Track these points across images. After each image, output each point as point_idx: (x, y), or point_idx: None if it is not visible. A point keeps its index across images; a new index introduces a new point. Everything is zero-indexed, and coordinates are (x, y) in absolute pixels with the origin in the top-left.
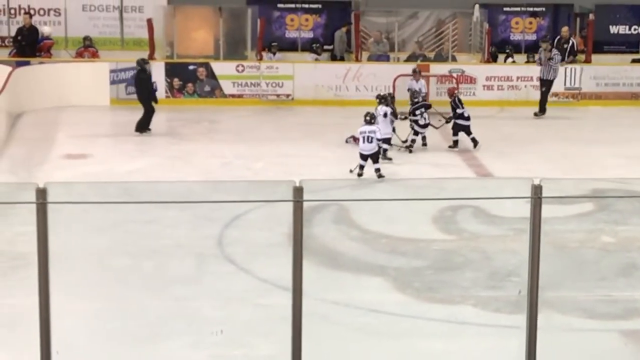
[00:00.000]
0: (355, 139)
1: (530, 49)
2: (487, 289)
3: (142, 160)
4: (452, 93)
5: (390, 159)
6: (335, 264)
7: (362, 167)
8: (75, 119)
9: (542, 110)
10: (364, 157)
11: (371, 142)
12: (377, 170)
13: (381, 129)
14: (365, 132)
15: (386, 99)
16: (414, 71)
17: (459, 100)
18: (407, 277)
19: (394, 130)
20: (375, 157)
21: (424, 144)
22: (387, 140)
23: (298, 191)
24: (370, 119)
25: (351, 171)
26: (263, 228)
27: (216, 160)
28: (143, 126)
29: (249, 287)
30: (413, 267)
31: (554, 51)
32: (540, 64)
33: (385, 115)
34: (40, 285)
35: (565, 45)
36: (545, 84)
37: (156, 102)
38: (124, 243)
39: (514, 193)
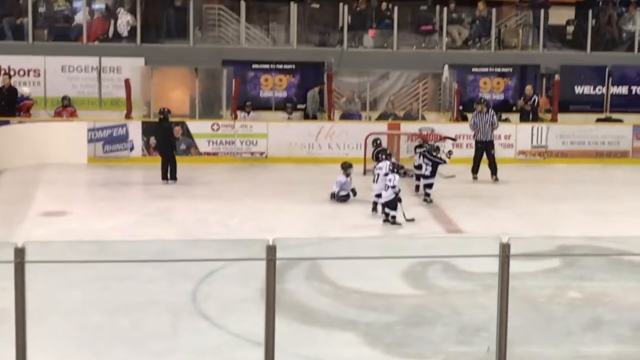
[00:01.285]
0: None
1: (499, 108)
2: (457, 344)
3: (119, 218)
4: (425, 140)
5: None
6: (307, 319)
7: (387, 214)
8: (53, 177)
9: (496, 171)
10: (384, 204)
11: (386, 189)
12: (393, 217)
13: (380, 188)
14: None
15: (386, 152)
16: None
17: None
18: (378, 332)
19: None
20: (388, 204)
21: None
22: (379, 195)
23: (271, 249)
24: (393, 169)
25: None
26: (237, 284)
27: (192, 217)
28: (172, 175)
29: (223, 342)
30: (384, 322)
31: (491, 112)
32: (476, 127)
33: (386, 174)
34: (18, 341)
35: (530, 104)
36: (488, 146)
37: (176, 150)
38: (100, 299)
39: (483, 250)
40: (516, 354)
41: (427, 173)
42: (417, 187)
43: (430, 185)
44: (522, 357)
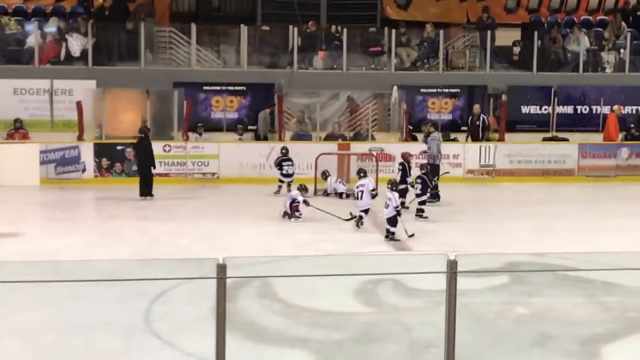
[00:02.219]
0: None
1: (447, 128)
2: None
3: (72, 238)
4: (406, 157)
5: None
6: (258, 338)
7: (388, 230)
8: (6, 198)
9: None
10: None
11: (387, 207)
12: (392, 233)
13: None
14: (386, 198)
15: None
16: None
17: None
18: (329, 350)
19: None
20: (389, 221)
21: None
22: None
23: (221, 268)
24: (392, 187)
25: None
26: (189, 303)
27: (144, 237)
28: (147, 191)
29: None
30: (335, 340)
31: (435, 134)
32: (428, 150)
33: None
34: None
35: (478, 122)
36: (437, 170)
37: (154, 167)
38: (53, 320)
39: (431, 267)
40: None
41: (419, 191)
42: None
43: (423, 202)
44: None
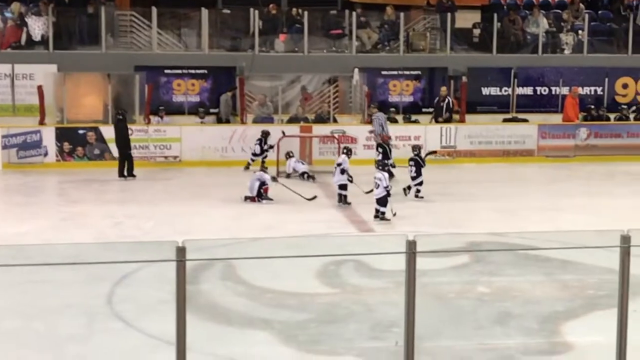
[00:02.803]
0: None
1: (408, 110)
2: (369, 340)
3: (34, 223)
4: (386, 140)
5: (349, 203)
6: (222, 319)
7: (377, 210)
8: None
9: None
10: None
11: (377, 187)
12: (383, 213)
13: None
14: (375, 178)
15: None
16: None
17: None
18: (292, 331)
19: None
20: (379, 201)
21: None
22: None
23: (181, 251)
24: (381, 167)
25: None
26: (152, 286)
27: (107, 221)
28: (130, 172)
29: (140, 343)
30: (298, 320)
31: (379, 114)
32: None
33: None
34: None
35: (442, 104)
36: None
37: (129, 149)
38: (16, 304)
39: (392, 248)
40: (426, 348)
41: (413, 173)
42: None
43: (420, 183)
44: (432, 351)
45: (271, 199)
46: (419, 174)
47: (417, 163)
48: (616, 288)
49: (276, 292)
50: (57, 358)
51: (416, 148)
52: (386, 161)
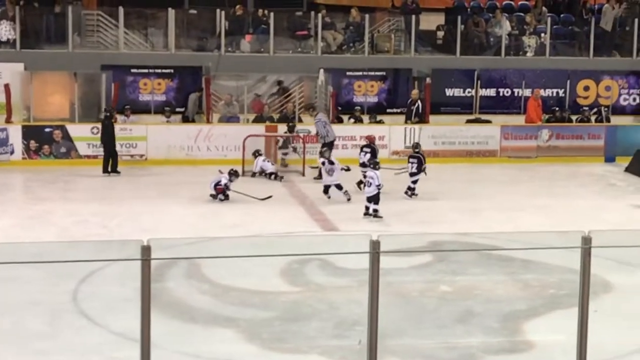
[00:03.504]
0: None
1: (373, 110)
2: (333, 338)
3: (0, 221)
4: (373, 140)
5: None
6: (187, 317)
7: (367, 207)
8: None
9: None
10: (368, 199)
11: (370, 185)
12: (375, 211)
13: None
14: (367, 177)
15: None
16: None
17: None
18: (256, 329)
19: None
20: (371, 199)
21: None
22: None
23: (145, 250)
24: (374, 166)
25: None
26: (117, 283)
27: (72, 219)
28: (114, 168)
29: (103, 340)
30: (262, 318)
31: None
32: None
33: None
34: None
35: (412, 108)
36: (331, 146)
37: (113, 147)
38: None
39: (356, 247)
40: (389, 347)
41: (414, 170)
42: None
43: (415, 181)
44: (395, 349)
45: (223, 199)
46: (419, 171)
47: (420, 160)
48: (577, 287)
49: (241, 290)
50: (21, 354)
51: (417, 145)
52: (376, 160)
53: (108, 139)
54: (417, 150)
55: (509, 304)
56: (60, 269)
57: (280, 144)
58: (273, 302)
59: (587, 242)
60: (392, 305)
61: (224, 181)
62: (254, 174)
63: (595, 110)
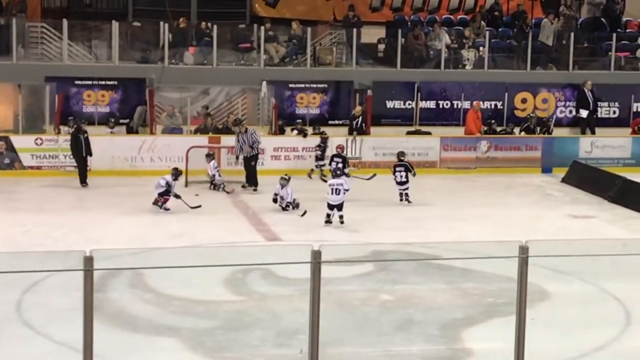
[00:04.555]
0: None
1: (315, 122)
2: (275, 347)
3: None
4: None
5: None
6: (130, 327)
7: (329, 215)
8: None
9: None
10: (331, 207)
11: (339, 193)
12: (341, 217)
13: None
14: (334, 185)
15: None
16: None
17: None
18: (199, 338)
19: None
20: (340, 206)
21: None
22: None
23: (88, 260)
24: (337, 174)
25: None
26: (61, 293)
27: (16, 230)
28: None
29: (48, 350)
30: (205, 327)
31: (250, 131)
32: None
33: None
34: None
35: (354, 124)
36: (249, 160)
37: (91, 155)
38: None
39: (297, 257)
40: (330, 355)
41: (404, 179)
42: None
43: (408, 188)
44: (336, 357)
45: (168, 209)
46: (408, 179)
47: (407, 168)
48: (515, 296)
49: (184, 300)
50: None
51: (403, 154)
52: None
53: (77, 151)
54: (402, 158)
55: (449, 312)
56: (4, 278)
57: (318, 154)
58: (216, 312)
59: (524, 251)
60: (334, 314)
61: (167, 180)
62: (212, 183)
63: (540, 118)
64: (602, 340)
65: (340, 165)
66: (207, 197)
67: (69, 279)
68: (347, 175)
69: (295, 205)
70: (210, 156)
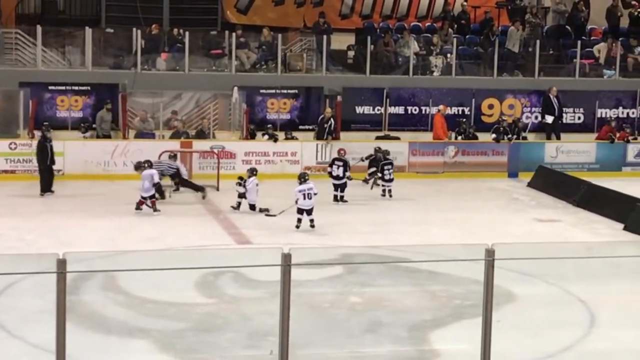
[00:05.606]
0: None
1: (286, 127)
2: (245, 349)
3: None
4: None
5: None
6: (102, 329)
7: (300, 220)
8: None
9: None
10: (302, 212)
11: (310, 198)
12: (312, 221)
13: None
14: (304, 190)
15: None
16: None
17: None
18: (171, 339)
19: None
20: (310, 211)
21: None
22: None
23: (61, 263)
24: (305, 179)
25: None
26: (34, 295)
27: None
28: (48, 188)
29: (20, 352)
30: (176, 329)
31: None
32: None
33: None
34: None
35: (325, 126)
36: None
37: (54, 164)
38: None
39: (268, 260)
40: (300, 356)
41: (392, 176)
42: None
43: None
44: (305, 359)
45: (156, 211)
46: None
47: (392, 165)
48: (481, 298)
49: (156, 302)
50: None
51: (387, 152)
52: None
53: (42, 158)
54: (388, 156)
55: (417, 314)
56: None
57: (367, 163)
58: (187, 314)
59: (490, 254)
60: (304, 316)
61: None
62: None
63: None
64: (567, 341)
65: (341, 168)
66: (179, 201)
67: (42, 281)
68: (350, 178)
69: (260, 209)
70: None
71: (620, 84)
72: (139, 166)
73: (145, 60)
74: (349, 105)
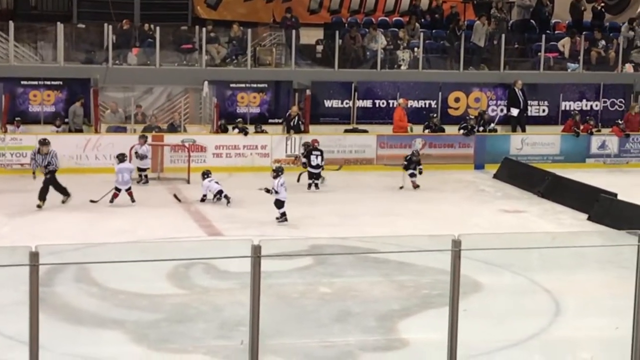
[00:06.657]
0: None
1: (256, 121)
2: (217, 339)
3: None
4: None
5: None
6: (75, 320)
7: (284, 213)
8: None
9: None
10: (282, 204)
11: (286, 190)
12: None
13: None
14: (285, 183)
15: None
16: (140, 137)
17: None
18: (143, 330)
19: None
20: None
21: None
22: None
23: (34, 256)
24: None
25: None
26: (8, 287)
27: None
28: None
29: None
30: (148, 320)
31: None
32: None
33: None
34: None
35: (292, 123)
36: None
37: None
38: None
39: (238, 252)
40: (270, 346)
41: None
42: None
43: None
44: (276, 348)
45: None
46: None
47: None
48: (448, 288)
49: (128, 294)
50: None
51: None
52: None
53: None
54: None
55: (385, 304)
56: None
57: (406, 164)
58: (160, 305)
59: (457, 245)
60: (274, 306)
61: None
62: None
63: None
64: (532, 330)
65: (319, 157)
66: (150, 194)
67: (15, 274)
68: (323, 168)
69: (223, 196)
70: (143, 138)
71: (584, 77)
72: (122, 159)
73: (117, 55)
74: (317, 99)
